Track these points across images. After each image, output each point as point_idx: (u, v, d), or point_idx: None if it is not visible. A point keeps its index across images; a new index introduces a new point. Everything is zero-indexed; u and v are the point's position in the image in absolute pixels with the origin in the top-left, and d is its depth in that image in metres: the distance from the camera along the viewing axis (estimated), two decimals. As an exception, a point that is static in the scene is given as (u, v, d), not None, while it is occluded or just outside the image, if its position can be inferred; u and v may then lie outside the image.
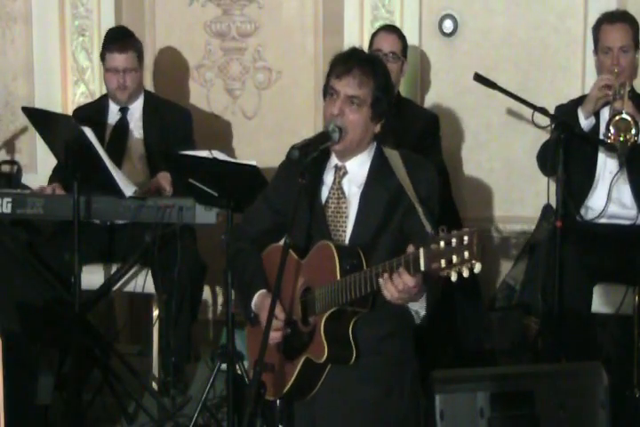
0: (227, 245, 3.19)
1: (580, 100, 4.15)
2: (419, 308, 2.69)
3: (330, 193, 2.88)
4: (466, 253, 2.25)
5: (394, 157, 2.85)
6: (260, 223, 3.01)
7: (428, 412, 3.11)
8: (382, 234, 2.79)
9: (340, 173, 2.88)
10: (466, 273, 2.27)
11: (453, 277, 2.30)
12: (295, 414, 2.91)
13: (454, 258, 2.27)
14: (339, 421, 2.80)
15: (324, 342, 2.68)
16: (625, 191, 4.04)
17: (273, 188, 3.03)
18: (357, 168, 2.87)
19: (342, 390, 2.78)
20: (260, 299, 2.89)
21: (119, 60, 4.32)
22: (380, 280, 2.52)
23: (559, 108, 4.18)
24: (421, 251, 2.37)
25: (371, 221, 2.81)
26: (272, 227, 2.98)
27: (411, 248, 2.50)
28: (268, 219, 2.99)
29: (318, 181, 2.89)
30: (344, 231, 2.84)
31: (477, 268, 2.26)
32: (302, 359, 2.76)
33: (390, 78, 2.89)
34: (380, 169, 2.85)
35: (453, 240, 2.28)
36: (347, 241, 2.83)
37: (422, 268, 2.38)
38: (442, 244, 2.30)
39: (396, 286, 2.50)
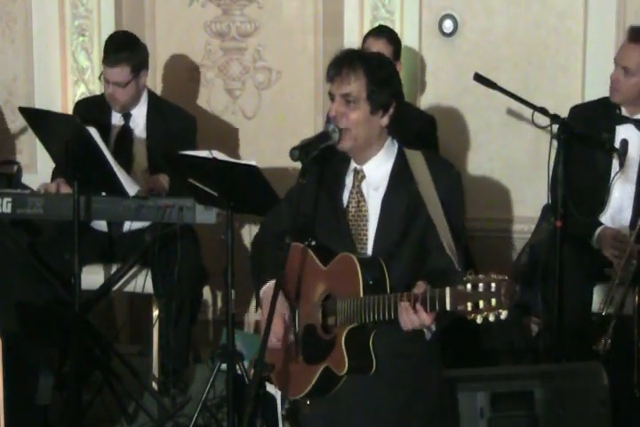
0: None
1: (598, 103, 4.10)
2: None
3: (350, 197, 2.88)
4: (493, 301, 2.29)
5: (417, 159, 2.84)
6: (283, 223, 3.02)
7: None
8: (405, 239, 2.79)
9: (359, 176, 2.88)
10: (492, 318, 2.31)
11: (479, 320, 2.33)
12: (313, 412, 2.89)
13: (481, 303, 2.31)
14: (363, 424, 2.79)
15: (345, 357, 2.69)
16: (628, 191, 4.02)
17: (295, 189, 3.02)
18: (375, 170, 2.87)
19: (367, 394, 2.77)
20: (268, 287, 2.91)
21: (109, 73, 4.23)
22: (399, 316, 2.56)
23: (574, 109, 4.13)
24: (448, 291, 2.40)
25: (393, 224, 2.80)
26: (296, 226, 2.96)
27: (421, 285, 2.54)
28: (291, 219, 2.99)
29: (340, 185, 2.89)
30: (365, 235, 2.84)
31: (504, 315, 2.30)
32: (322, 367, 2.76)
33: (389, 68, 2.87)
34: (400, 172, 2.84)
35: (480, 285, 2.31)
36: (369, 245, 2.83)
37: (448, 307, 2.40)
38: (469, 286, 2.33)
39: (412, 321, 2.54)
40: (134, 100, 4.36)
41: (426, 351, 2.83)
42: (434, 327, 2.66)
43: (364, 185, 2.87)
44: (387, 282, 2.69)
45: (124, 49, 4.25)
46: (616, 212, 4.04)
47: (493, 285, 2.29)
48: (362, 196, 2.86)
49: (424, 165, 2.81)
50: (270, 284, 2.90)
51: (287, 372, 2.87)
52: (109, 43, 4.33)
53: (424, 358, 2.82)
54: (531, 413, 3.18)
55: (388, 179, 2.85)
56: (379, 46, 4.26)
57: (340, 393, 2.80)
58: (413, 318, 2.53)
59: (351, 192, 2.88)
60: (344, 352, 2.69)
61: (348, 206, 2.87)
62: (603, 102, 4.10)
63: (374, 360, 2.72)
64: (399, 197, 2.81)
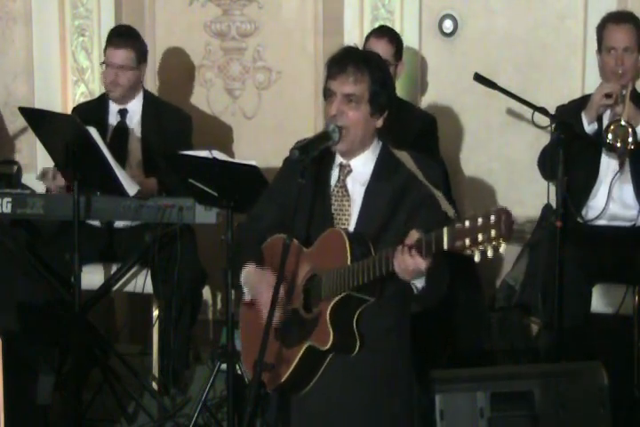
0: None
1: (580, 101, 4.14)
2: (417, 281, 2.66)
3: (334, 190, 2.89)
4: (492, 232, 2.22)
5: (403, 157, 2.86)
6: (266, 220, 3.02)
7: (428, 412, 3.12)
8: (385, 232, 2.79)
9: (345, 171, 2.89)
10: (490, 253, 2.24)
11: (477, 258, 2.27)
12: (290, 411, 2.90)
13: (480, 236, 2.25)
14: (332, 417, 2.79)
15: (330, 329, 2.67)
16: (627, 191, 4.04)
17: (277, 184, 3.04)
18: (361, 166, 2.88)
19: (336, 386, 2.77)
20: (247, 271, 2.90)
21: (115, 55, 4.30)
22: (393, 261, 2.51)
23: (560, 108, 4.17)
24: (445, 230, 2.35)
25: (373, 219, 2.81)
26: (278, 222, 2.96)
27: (414, 234, 2.49)
28: (273, 215, 3.00)
29: (324, 179, 2.90)
30: (346, 227, 2.83)
31: (502, 248, 2.23)
32: (304, 347, 2.74)
33: (388, 71, 2.90)
34: (385, 166, 2.86)
35: (479, 219, 2.26)
36: None
37: (446, 246, 2.35)
38: (467, 223, 2.28)
39: (407, 265, 2.49)
40: (132, 92, 4.40)
41: (398, 346, 2.84)
42: (420, 284, 2.63)
43: (349, 179, 2.88)
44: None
45: (131, 36, 4.38)
46: (620, 208, 4.06)
47: (492, 216, 2.23)
48: (346, 190, 2.88)
49: (412, 163, 2.83)
50: (249, 268, 2.89)
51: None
52: (115, 30, 4.48)
53: (395, 353, 2.83)
54: (531, 413, 3.18)
55: (371, 174, 2.87)
56: (380, 46, 4.26)
57: (310, 393, 2.80)
58: (409, 261, 2.48)
59: (335, 185, 2.89)
60: (329, 325, 2.66)
61: (331, 199, 2.88)
62: (586, 100, 4.12)
63: (358, 339, 2.71)
64: (382, 191, 2.82)
